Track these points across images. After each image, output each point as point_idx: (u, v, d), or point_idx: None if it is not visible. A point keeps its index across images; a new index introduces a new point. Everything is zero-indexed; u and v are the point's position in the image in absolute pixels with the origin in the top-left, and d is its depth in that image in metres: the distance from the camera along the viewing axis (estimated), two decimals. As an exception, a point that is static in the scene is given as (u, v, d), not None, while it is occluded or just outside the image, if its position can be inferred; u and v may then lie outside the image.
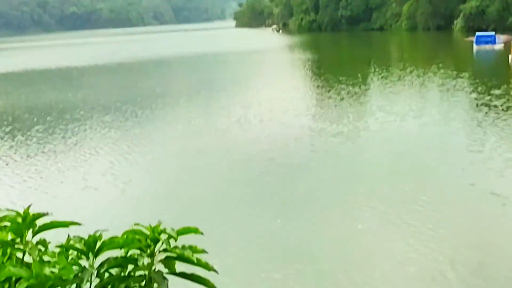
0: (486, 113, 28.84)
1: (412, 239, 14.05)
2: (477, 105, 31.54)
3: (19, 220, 3.05)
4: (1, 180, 21.87)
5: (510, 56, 50.60)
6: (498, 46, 66.43)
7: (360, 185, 18.49)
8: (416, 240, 13.96)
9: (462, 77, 42.42)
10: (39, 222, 3.14)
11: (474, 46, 68.53)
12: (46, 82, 57.16)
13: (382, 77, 45.55)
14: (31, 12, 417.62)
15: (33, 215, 3.11)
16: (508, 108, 29.63)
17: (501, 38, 70.17)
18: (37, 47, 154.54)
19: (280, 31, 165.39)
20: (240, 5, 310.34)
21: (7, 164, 24.47)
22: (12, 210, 3.16)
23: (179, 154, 24.46)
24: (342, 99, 36.03)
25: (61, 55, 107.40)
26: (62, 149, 26.68)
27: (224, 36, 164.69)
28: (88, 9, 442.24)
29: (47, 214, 3.15)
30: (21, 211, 3.13)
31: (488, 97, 33.02)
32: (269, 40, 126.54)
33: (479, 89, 36.58)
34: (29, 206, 3.17)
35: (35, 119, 35.72)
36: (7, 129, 32.98)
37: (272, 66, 64.85)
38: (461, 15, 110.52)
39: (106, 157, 24.34)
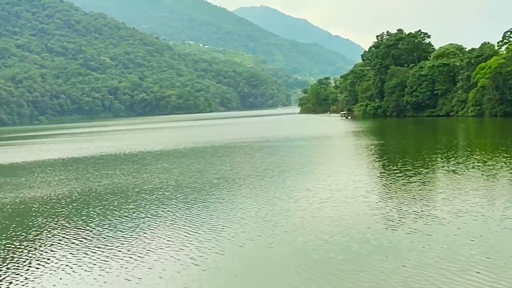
0: None
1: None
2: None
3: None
4: (79, 268, 22.58)
5: None
6: None
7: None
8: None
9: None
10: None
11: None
12: (121, 167, 59.30)
13: (449, 165, 44.63)
14: (103, 98, 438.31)
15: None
16: None
17: None
18: (108, 131, 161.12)
19: (350, 117, 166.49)
20: (304, 91, 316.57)
21: (89, 248, 25.42)
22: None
23: (254, 236, 24.92)
24: (410, 186, 35.89)
25: (132, 140, 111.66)
26: (147, 230, 27.77)
27: (289, 122, 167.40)
28: (157, 96, 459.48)
29: None
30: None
31: None
32: (334, 126, 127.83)
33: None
34: None
35: (117, 202, 37.17)
36: (90, 212, 34.43)
37: (339, 152, 65.49)
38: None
39: (190, 238, 25.13)
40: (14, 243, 27.03)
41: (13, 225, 31.45)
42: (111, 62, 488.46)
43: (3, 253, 25.21)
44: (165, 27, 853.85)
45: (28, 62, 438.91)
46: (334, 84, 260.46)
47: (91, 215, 32.83)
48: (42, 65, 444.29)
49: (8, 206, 37.63)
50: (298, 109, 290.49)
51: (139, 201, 36.38)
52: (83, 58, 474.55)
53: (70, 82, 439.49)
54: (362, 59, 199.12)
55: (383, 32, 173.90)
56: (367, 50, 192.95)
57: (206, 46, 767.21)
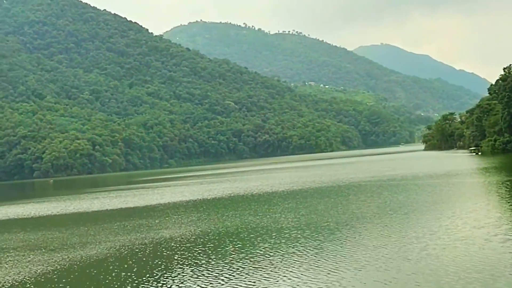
0: None
1: None
2: None
3: None
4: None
5: None
6: None
7: None
8: None
9: None
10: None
11: None
12: (250, 207, 60.65)
13: None
14: (227, 141, 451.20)
15: None
16: None
17: None
18: (234, 173, 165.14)
19: (480, 153, 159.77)
20: (428, 127, 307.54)
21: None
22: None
23: (394, 274, 24.72)
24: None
25: (258, 180, 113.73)
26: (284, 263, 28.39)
27: (414, 160, 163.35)
28: (279, 137, 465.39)
29: None
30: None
31: None
32: (461, 163, 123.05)
33: None
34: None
35: (250, 241, 38.18)
36: (226, 250, 35.65)
37: (472, 189, 62.96)
38: None
39: (329, 277, 25.49)
40: (159, 279, 28.59)
41: (157, 262, 33.29)
42: (235, 106, 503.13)
43: (150, 288, 26.73)
44: (286, 69, 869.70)
45: (158, 109, 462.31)
46: (459, 120, 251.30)
47: (228, 253, 33.95)
48: (171, 111, 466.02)
49: (148, 246, 39.76)
50: (421, 146, 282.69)
51: (271, 240, 37.11)
52: (208, 103, 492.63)
53: (197, 126, 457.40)
54: (489, 93, 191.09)
55: (510, 64, 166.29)
56: (493, 83, 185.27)
57: (327, 86, 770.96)
